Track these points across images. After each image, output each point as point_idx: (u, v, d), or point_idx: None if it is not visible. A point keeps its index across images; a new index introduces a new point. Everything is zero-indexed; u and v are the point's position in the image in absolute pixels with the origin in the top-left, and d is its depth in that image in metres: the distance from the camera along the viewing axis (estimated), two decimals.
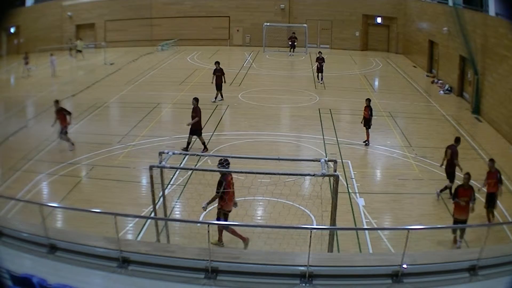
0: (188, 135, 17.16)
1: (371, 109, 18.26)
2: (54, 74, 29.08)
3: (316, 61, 28.50)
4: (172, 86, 27.06)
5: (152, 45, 38.72)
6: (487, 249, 7.55)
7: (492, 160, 13.05)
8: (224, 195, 10.82)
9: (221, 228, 11.17)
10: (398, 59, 37.04)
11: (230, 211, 11.26)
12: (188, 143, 17.16)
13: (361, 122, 18.46)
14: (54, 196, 14.14)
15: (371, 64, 35.44)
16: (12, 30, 32.74)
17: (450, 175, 14.11)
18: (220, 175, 10.96)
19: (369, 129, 18.35)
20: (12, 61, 31.15)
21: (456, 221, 11.69)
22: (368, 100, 18.42)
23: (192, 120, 16.90)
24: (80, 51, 35.73)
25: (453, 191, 12.48)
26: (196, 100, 17.19)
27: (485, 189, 12.85)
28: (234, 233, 11.14)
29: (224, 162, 10.89)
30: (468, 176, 11.76)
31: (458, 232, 11.66)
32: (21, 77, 28.85)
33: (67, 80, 28.41)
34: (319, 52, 29.18)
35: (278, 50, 38.82)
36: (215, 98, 23.59)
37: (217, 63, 23.52)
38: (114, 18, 39.16)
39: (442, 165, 14.50)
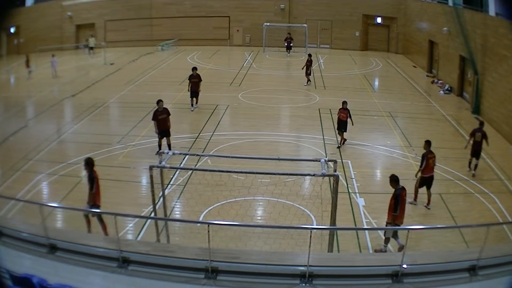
0: (159, 139, 16.81)
1: (349, 111, 17.86)
2: (54, 75, 29.05)
3: (306, 63, 27.87)
4: (172, 86, 27.05)
5: (152, 45, 38.72)
6: (487, 249, 7.55)
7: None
8: (97, 190, 11.22)
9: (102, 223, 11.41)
10: (398, 59, 37.03)
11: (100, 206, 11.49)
12: (169, 145, 16.69)
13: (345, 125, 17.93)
14: (54, 196, 14.14)
15: (371, 64, 35.43)
16: (12, 30, 32.77)
17: (477, 153, 15.79)
18: (88, 172, 11.29)
19: (345, 132, 17.95)
20: (12, 61, 31.15)
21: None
22: (345, 103, 18.01)
23: (167, 122, 16.74)
24: (92, 48, 35.78)
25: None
26: (161, 102, 16.92)
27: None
28: (103, 225, 11.35)
29: (90, 162, 11.33)
30: (391, 177, 11.13)
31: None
32: (25, 79, 28.76)
33: (67, 80, 28.41)
34: (309, 54, 28.78)
35: (278, 50, 38.81)
36: (192, 105, 22.42)
37: (194, 69, 22.72)
38: (114, 18, 39.16)
39: (466, 147, 16.18)
